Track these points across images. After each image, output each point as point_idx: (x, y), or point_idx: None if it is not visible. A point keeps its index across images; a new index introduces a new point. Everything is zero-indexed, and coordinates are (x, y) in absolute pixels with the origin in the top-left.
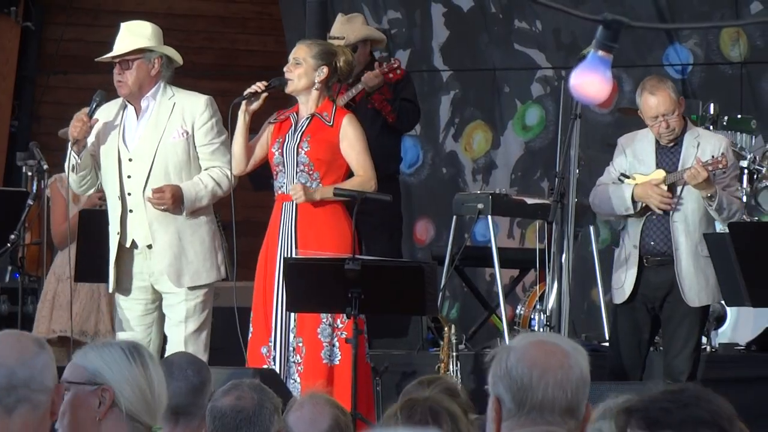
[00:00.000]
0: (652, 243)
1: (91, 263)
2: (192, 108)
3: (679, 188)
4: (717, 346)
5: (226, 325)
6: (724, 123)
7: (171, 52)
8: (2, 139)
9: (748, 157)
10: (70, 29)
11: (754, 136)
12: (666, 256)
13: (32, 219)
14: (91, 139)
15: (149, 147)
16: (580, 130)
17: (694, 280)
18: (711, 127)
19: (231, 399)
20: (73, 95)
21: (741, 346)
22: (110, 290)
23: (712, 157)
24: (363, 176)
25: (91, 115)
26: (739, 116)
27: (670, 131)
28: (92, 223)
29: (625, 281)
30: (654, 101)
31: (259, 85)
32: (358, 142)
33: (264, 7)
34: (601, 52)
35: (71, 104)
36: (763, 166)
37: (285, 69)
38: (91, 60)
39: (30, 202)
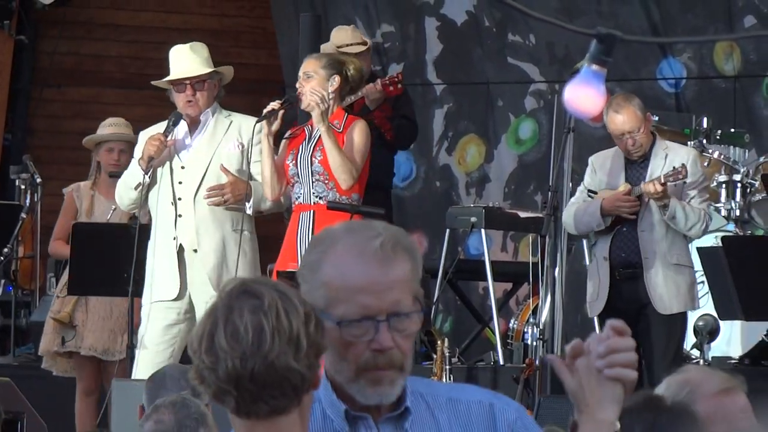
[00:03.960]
0: (623, 255)
1: (85, 276)
2: (249, 126)
3: (645, 198)
4: (710, 359)
5: None
6: (718, 137)
7: (228, 70)
8: None
9: (741, 170)
10: (64, 42)
11: (747, 150)
12: (637, 268)
13: (25, 232)
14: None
15: (204, 156)
16: (574, 143)
17: (665, 288)
18: (704, 141)
19: (151, 424)
20: (66, 108)
21: (734, 359)
22: (173, 296)
23: (673, 168)
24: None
25: (167, 134)
26: (733, 130)
27: (636, 148)
28: (85, 236)
29: (598, 295)
30: (620, 119)
31: (275, 104)
32: (357, 146)
33: (257, 21)
34: (594, 66)
35: (65, 117)
36: (756, 180)
37: (297, 85)
38: (84, 73)
39: (23, 215)
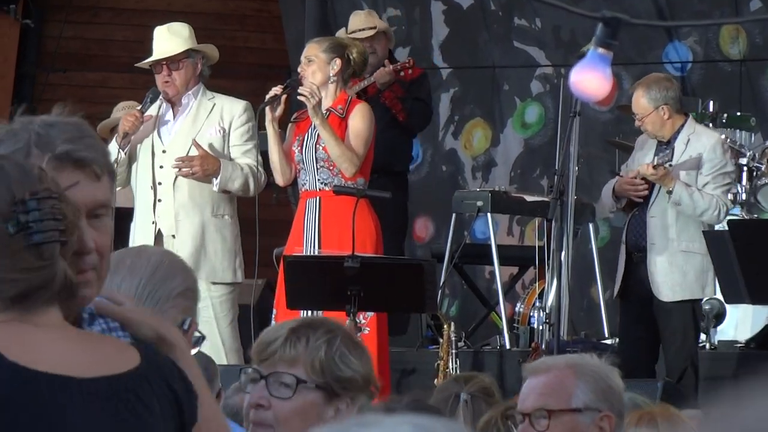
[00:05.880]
0: (634, 238)
1: None
2: (231, 109)
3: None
4: (716, 343)
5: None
6: (724, 120)
7: (211, 49)
8: None
9: (748, 154)
10: (69, 27)
11: (753, 134)
12: (645, 252)
13: None
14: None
15: (184, 140)
16: (580, 127)
17: (668, 275)
18: (710, 125)
19: (242, 397)
20: (72, 93)
21: (740, 343)
22: None
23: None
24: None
25: (143, 111)
26: (739, 113)
27: (643, 129)
28: None
29: (617, 276)
30: (633, 98)
31: (276, 89)
32: (358, 131)
33: (263, 4)
34: (600, 50)
35: (70, 102)
36: (762, 164)
37: (299, 69)
38: (90, 57)
39: None
